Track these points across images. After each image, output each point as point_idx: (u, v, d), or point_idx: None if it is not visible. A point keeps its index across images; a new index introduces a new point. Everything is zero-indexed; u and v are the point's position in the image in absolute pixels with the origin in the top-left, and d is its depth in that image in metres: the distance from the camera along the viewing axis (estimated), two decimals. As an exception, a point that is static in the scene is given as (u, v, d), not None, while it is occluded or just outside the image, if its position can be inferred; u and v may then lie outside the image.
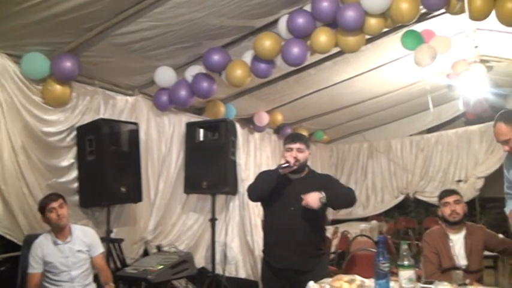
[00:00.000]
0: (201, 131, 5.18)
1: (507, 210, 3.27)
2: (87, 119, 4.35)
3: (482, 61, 6.74)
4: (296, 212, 3.34)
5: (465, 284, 2.84)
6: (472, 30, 5.55)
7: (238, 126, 5.79)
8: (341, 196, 3.42)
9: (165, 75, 4.62)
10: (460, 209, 3.68)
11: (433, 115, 8.64)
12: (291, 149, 3.40)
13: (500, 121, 3.02)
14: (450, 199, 3.71)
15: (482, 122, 8.99)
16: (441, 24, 5.04)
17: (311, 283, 2.64)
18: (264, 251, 3.61)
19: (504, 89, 8.02)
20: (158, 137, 5.19)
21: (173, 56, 4.46)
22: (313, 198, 3.20)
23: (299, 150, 3.40)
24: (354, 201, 3.48)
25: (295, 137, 3.52)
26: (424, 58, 4.98)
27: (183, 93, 4.68)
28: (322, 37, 4.01)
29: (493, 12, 3.74)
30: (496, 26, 4.03)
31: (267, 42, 4.10)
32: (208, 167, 4.95)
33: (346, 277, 2.80)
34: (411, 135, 9.73)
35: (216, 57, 4.29)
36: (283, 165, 3.30)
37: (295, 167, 3.34)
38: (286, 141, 3.51)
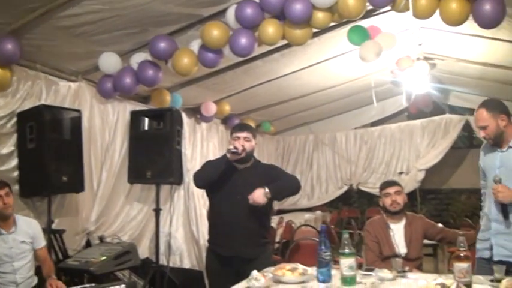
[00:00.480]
0: (146, 119, 5.08)
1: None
2: (28, 104, 4.20)
3: (426, 58, 6.97)
4: (242, 201, 3.35)
5: (404, 271, 2.93)
6: (416, 28, 5.72)
7: (184, 115, 5.73)
8: (285, 187, 3.48)
9: (109, 62, 4.49)
10: (401, 199, 3.81)
11: (376, 109, 8.88)
12: (238, 138, 3.42)
13: (483, 107, 3.12)
14: (391, 190, 3.83)
15: (424, 117, 9.33)
16: (387, 21, 5.16)
17: (254, 272, 2.66)
18: (209, 240, 3.62)
19: (446, 86, 8.34)
20: (102, 125, 5.06)
21: (118, 42, 4.34)
22: (259, 195, 3.25)
23: (246, 139, 3.43)
24: (298, 189, 3.55)
25: (242, 126, 3.55)
26: (369, 53, 5.09)
27: (127, 80, 4.57)
28: (270, 29, 4.02)
29: (437, 12, 3.86)
30: (440, 25, 4.16)
31: (214, 32, 4.06)
32: (152, 156, 4.88)
33: (289, 265, 2.84)
34: (355, 128, 9.97)
35: (162, 45, 4.21)
36: (232, 150, 3.30)
37: (242, 155, 3.35)
38: (233, 130, 3.53)
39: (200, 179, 3.51)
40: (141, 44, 4.49)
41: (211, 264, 3.57)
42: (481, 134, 3.13)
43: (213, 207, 3.59)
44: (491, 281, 2.59)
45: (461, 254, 2.47)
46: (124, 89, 4.68)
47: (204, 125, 6.92)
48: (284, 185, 3.48)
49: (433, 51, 6.81)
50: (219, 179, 3.39)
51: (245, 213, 3.38)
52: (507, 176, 2.96)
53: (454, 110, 9.21)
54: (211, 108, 6.43)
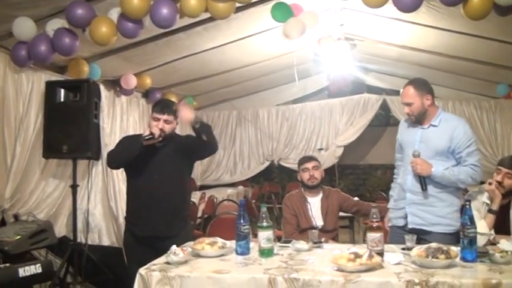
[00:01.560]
0: (62, 91, 4.81)
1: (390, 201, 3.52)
2: None
3: (347, 39, 7.15)
4: (160, 179, 3.31)
5: (320, 242, 3.04)
6: (338, 9, 5.83)
7: (103, 88, 5.52)
8: (212, 135, 3.40)
9: (24, 27, 4.18)
10: (318, 174, 3.94)
11: (298, 87, 9.05)
12: (158, 119, 3.32)
13: (411, 85, 3.28)
14: (309, 165, 3.95)
15: (343, 95, 9.63)
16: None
17: (173, 247, 2.64)
18: (126, 219, 3.54)
19: (365, 65, 8.63)
20: (15, 95, 4.72)
21: (34, 6, 4.03)
22: (187, 112, 3.18)
23: (166, 122, 3.34)
24: (215, 150, 3.48)
25: (164, 107, 3.39)
26: (292, 31, 5.12)
27: (43, 48, 4.27)
28: (192, 0, 3.92)
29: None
30: (361, 6, 4.25)
31: (134, 0, 3.91)
32: (69, 130, 4.66)
33: (208, 240, 2.86)
34: (278, 105, 10.11)
35: (79, 11, 3.97)
36: (147, 137, 3.23)
37: (159, 139, 3.28)
38: (154, 109, 3.40)
39: (113, 161, 3.42)
40: (58, 9, 4.20)
41: (129, 243, 3.51)
42: (405, 110, 3.29)
43: (130, 185, 3.50)
44: (403, 249, 2.75)
45: (374, 225, 2.59)
46: (39, 58, 4.38)
47: (123, 98, 6.70)
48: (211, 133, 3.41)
49: (354, 32, 6.99)
50: (135, 158, 3.29)
51: (164, 192, 3.35)
52: (425, 152, 3.16)
53: (372, 89, 9.58)
54: (131, 81, 6.21)
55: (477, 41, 5.74)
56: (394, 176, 3.56)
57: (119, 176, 5.50)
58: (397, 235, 3.20)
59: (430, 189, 3.16)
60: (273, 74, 8.35)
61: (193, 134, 3.36)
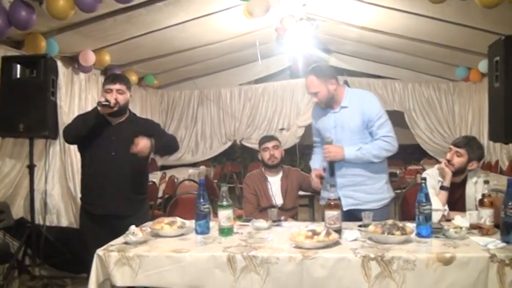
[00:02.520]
0: (18, 67, 4.62)
1: (312, 165, 3.56)
2: None
3: (309, 19, 7.15)
4: (117, 157, 3.26)
5: (279, 220, 3.08)
6: (301, -12, 5.82)
7: (61, 64, 5.35)
8: (168, 145, 3.44)
9: (-22, -1, 4.01)
10: (278, 153, 3.97)
11: (261, 67, 9.06)
12: (111, 90, 3.25)
13: (312, 74, 3.26)
14: (269, 144, 3.97)
15: (305, 76, 9.64)
16: (271, -23, 5.18)
17: (132, 227, 2.62)
18: (82, 198, 3.48)
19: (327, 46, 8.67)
20: (-30, 71, 4.54)
21: (-11, -22, 3.89)
22: (144, 145, 3.14)
23: (119, 92, 3.26)
24: (176, 150, 3.55)
25: (115, 78, 3.34)
26: (257, 9, 5.09)
27: (-2, 21, 4.12)
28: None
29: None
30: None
31: (91, -27, 3.80)
32: (25, 107, 4.49)
33: (167, 219, 2.85)
34: (240, 84, 10.08)
35: (36, -17, 3.85)
36: (103, 103, 3.15)
37: (115, 109, 3.21)
38: (105, 81, 3.34)
39: (69, 134, 3.32)
40: (15, -19, 4.05)
41: (85, 222, 3.44)
42: (314, 100, 3.30)
43: (85, 164, 3.42)
44: (360, 226, 2.81)
45: (332, 203, 2.63)
46: (-6, 31, 4.22)
47: (82, 75, 6.53)
48: (168, 142, 3.44)
49: (316, 12, 7.00)
50: (91, 134, 3.22)
51: (120, 170, 3.29)
52: (342, 134, 3.22)
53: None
54: (90, 58, 6.04)
55: (437, 24, 5.84)
56: (313, 155, 3.60)
57: (77, 155, 5.34)
58: None
59: (356, 170, 3.21)
60: (235, 53, 8.31)
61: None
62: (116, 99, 3.21)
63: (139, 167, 3.39)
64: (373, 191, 3.25)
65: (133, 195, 3.40)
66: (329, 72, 3.28)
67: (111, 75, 3.44)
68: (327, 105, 3.28)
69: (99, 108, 3.17)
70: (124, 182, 3.33)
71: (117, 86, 3.26)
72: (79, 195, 5.08)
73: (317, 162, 3.46)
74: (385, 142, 3.17)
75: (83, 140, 3.31)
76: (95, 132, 3.23)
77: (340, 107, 3.26)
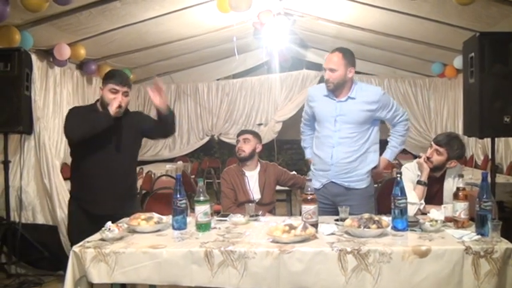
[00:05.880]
0: (-8, 60, 4.56)
1: (307, 154, 3.70)
2: None
3: (286, 14, 7.16)
4: (120, 155, 3.22)
5: (257, 215, 3.08)
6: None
7: (35, 58, 5.26)
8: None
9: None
10: (247, 147, 3.96)
11: (238, 61, 9.04)
12: (116, 91, 3.15)
13: (341, 52, 3.26)
14: (240, 137, 4.00)
15: (282, 71, 9.69)
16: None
17: (108, 223, 2.59)
18: (77, 196, 3.34)
19: (304, 42, 8.68)
20: None
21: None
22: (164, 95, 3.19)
23: (125, 94, 3.19)
24: (174, 131, 3.55)
25: (123, 80, 3.21)
26: (240, 3, 5.08)
27: (-30, 13, 4.02)
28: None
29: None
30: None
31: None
32: (-1, 102, 4.43)
33: (144, 215, 2.82)
34: (218, 79, 10.05)
35: (9, -26, 3.76)
36: (117, 106, 3.10)
37: (121, 112, 3.16)
38: (111, 79, 3.19)
39: (77, 136, 3.13)
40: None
41: (80, 222, 3.24)
42: (326, 76, 3.30)
43: (83, 162, 3.27)
44: (337, 220, 2.83)
45: (309, 197, 2.64)
46: (-34, 23, 4.12)
47: (57, 69, 6.42)
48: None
49: (294, 7, 7.01)
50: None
51: (121, 168, 3.26)
52: (345, 123, 3.27)
53: (311, 66, 9.70)
54: (65, 51, 5.93)
55: (414, 21, 5.90)
56: (302, 135, 3.74)
57: (52, 150, 5.29)
58: None
59: (353, 157, 3.29)
60: (212, 48, 8.27)
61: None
62: (120, 102, 3.13)
63: (135, 164, 3.43)
64: (365, 171, 3.34)
65: (130, 194, 3.40)
66: (353, 60, 3.30)
67: (119, 75, 3.26)
68: (334, 88, 3.27)
69: (115, 110, 3.09)
70: (124, 180, 3.31)
71: (125, 89, 3.19)
72: (55, 191, 5.04)
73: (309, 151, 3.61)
74: (404, 122, 3.50)
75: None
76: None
77: (347, 97, 3.28)
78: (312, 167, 3.52)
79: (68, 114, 3.27)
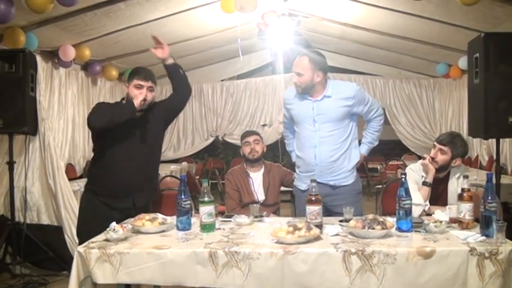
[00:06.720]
0: (-4, 61, 4.58)
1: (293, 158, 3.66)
2: None
3: (291, 15, 7.16)
4: (143, 150, 3.24)
5: (261, 216, 3.08)
6: (283, -17, 5.82)
7: (40, 59, 5.28)
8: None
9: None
10: (259, 148, 3.99)
11: (243, 62, 9.03)
12: (141, 86, 3.17)
13: (307, 56, 3.27)
14: (250, 139, 4.00)
15: (287, 72, 9.69)
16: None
17: (113, 223, 2.59)
18: (98, 191, 3.28)
19: (309, 43, 8.67)
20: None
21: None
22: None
23: (150, 89, 3.20)
24: (189, 95, 3.59)
25: (147, 75, 3.22)
26: (246, 4, 5.09)
27: (-24, 14, 4.04)
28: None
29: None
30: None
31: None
32: (4, 103, 4.44)
33: (148, 216, 2.82)
34: (222, 80, 10.06)
35: (14, -24, 3.78)
36: (143, 100, 3.13)
37: (145, 107, 3.18)
38: (135, 76, 3.21)
39: (100, 123, 3.11)
40: (-8, -26, 3.97)
41: (105, 216, 3.05)
42: (294, 80, 3.32)
43: (108, 155, 3.25)
44: (341, 221, 2.82)
45: (313, 198, 2.64)
46: (-28, 25, 4.14)
47: (62, 70, 6.45)
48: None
49: (298, 8, 7.01)
50: (120, 124, 3.12)
51: (147, 162, 3.28)
52: (323, 122, 3.27)
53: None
54: (69, 52, 5.96)
55: (418, 21, 5.89)
56: (286, 139, 3.74)
57: (57, 151, 5.31)
58: (301, 199, 3.26)
59: (337, 155, 3.28)
60: (217, 49, 8.28)
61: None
62: (145, 97, 3.15)
63: (159, 159, 3.48)
64: (349, 167, 3.34)
65: (152, 188, 3.44)
66: (322, 64, 3.28)
67: (143, 71, 3.28)
68: (304, 91, 3.29)
69: (141, 103, 3.12)
70: (148, 175, 3.33)
71: (149, 84, 3.20)
72: (59, 192, 5.05)
73: (294, 155, 3.59)
74: (379, 118, 3.49)
75: (107, 132, 3.17)
76: (121, 125, 3.14)
77: (323, 96, 3.27)
78: (296, 170, 3.50)
79: (94, 106, 3.29)
